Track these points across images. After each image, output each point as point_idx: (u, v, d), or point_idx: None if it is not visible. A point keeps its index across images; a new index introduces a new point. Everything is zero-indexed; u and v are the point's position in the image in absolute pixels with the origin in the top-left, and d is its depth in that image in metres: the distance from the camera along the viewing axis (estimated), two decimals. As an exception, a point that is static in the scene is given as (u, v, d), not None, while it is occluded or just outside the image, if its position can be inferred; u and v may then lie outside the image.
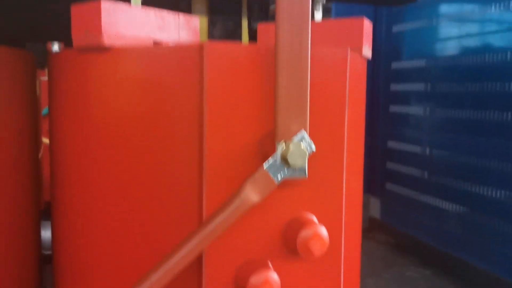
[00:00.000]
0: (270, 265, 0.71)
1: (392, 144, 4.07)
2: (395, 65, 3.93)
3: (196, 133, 0.75)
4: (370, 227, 4.53)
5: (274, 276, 0.67)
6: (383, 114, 4.10)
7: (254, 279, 0.67)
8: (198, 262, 0.71)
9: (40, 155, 1.34)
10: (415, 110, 3.74)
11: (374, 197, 4.41)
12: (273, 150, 0.70)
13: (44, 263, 1.08)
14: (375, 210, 4.43)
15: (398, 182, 4.02)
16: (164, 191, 0.78)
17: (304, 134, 0.71)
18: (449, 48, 3.33)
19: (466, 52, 3.16)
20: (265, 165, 0.70)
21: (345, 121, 0.82)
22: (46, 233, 1.10)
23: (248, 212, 0.69)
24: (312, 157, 0.73)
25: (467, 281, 3.37)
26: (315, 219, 0.73)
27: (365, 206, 4.57)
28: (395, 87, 3.98)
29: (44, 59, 1.50)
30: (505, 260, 2.90)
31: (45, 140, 1.37)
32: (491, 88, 2.92)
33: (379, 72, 4.04)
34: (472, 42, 3.12)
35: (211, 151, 0.73)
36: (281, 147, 0.70)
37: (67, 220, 0.91)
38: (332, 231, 0.73)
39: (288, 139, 0.70)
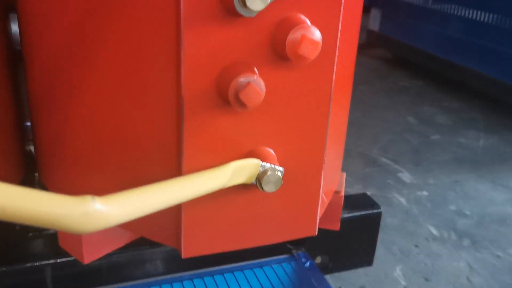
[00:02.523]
0: (256, 70, 0.61)
1: None
2: None
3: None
4: (367, 42, 4.41)
5: (259, 80, 0.58)
6: None
7: (237, 81, 0.58)
8: (176, 68, 0.61)
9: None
10: None
11: (375, 8, 4.19)
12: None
13: (16, 59, 0.97)
14: (375, 23, 4.26)
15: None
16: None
17: None
18: None
19: None
20: None
21: None
22: (14, 27, 0.97)
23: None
24: None
25: (459, 90, 3.39)
26: (307, 20, 0.61)
27: (364, 18, 4.38)
28: None
29: None
30: (501, 60, 2.86)
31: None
32: None
33: None
34: None
35: None
36: None
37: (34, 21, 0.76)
38: (326, 33, 0.62)
39: None
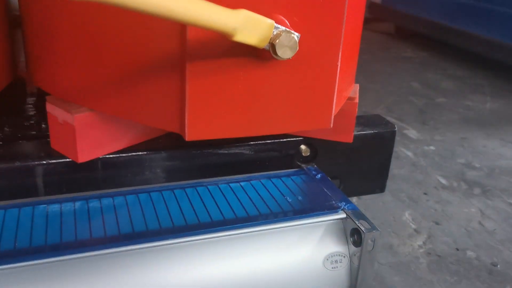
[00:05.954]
0: None
1: None
2: None
3: None
4: (369, 17, 4.33)
5: None
6: None
7: None
8: None
9: None
10: None
11: (377, -21, 4.11)
12: None
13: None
14: (377, -5, 4.18)
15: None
16: None
17: None
18: None
19: None
20: None
21: None
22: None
23: None
24: None
25: (463, 59, 3.32)
26: None
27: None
28: None
29: None
30: (506, 23, 2.79)
31: None
32: None
33: None
34: None
35: None
36: None
37: None
38: None
39: None
